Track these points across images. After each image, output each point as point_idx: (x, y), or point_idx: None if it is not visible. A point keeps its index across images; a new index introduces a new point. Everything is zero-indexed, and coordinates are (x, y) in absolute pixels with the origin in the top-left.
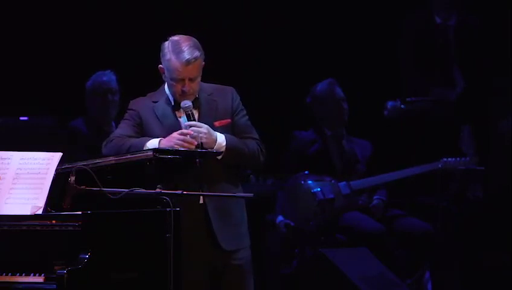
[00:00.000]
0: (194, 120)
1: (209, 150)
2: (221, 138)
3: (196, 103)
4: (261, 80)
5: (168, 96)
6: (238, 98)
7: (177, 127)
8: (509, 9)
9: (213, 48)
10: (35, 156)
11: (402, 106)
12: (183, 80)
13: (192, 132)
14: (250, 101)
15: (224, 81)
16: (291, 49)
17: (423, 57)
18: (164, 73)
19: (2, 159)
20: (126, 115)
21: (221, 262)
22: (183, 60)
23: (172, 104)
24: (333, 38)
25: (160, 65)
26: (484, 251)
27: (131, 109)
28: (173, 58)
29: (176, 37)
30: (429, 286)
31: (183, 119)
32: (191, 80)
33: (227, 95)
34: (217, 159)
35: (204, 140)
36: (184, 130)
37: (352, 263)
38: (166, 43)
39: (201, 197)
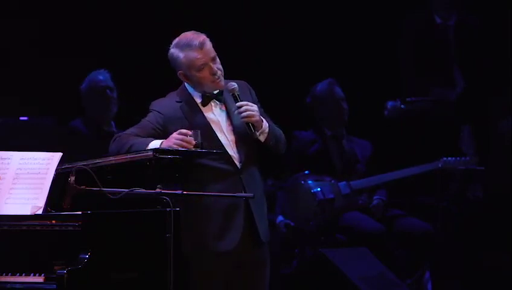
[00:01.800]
0: (241, 100)
1: (213, 150)
2: (263, 120)
3: (221, 99)
4: (261, 80)
5: (191, 96)
6: (253, 90)
7: (206, 124)
8: (509, 9)
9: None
10: (35, 156)
11: (402, 106)
12: (206, 64)
13: (190, 132)
14: None
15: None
16: (291, 49)
17: (423, 57)
18: (186, 77)
19: (2, 159)
20: (149, 115)
21: (253, 254)
22: (197, 45)
23: (199, 101)
24: (333, 38)
25: (179, 71)
26: (484, 251)
27: (157, 111)
28: (186, 51)
29: (176, 40)
30: (429, 286)
31: (214, 114)
32: (213, 60)
33: (245, 89)
34: (248, 148)
35: (257, 118)
36: (183, 130)
37: (352, 263)
38: (171, 50)
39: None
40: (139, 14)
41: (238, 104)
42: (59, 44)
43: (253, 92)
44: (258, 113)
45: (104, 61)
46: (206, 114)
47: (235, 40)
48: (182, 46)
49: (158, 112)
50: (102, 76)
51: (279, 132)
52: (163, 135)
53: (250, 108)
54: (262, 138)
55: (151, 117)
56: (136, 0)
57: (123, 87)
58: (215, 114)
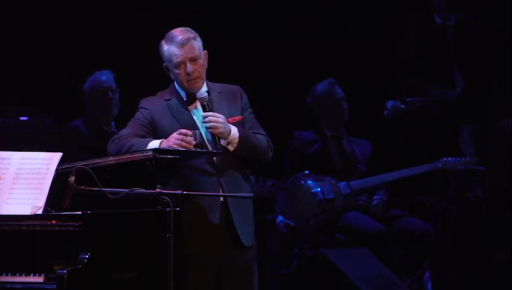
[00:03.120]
0: (211, 110)
1: (211, 150)
2: (234, 130)
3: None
4: (261, 80)
5: (179, 93)
6: (246, 95)
7: (192, 123)
8: (509, 9)
9: (213, 48)
10: (35, 156)
11: (402, 106)
12: (183, 62)
13: (190, 132)
14: (250, 101)
15: (224, 81)
16: (291, 49)
17: (423, 57)
18: (169, 70)
19: (2, 159)
20: (137, 114)
21: (235, 258)
22: (178, 42)
23: (185, 99)
24: (333, 38)
25: (164, 64)
26: (484, 251)
27: (143, 108)
28: (169, 45)
29: (168, 32)
30: (429, 286)
31: (194, 111)
32: (192, 60)
33: (236, 93)
34: (230, 152)
35: (221, 129)
36: (182, 130)
37: (352, 263)
38: (161, 41)
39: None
40: (138, 13)
41: (204, 114)
42: (59, 44)
43: (244, 96)
44: (222, 125)
45: (104, 62)
46: (191, 112)
47: (235, 40)
48: (167, 40)
49: (145, 108)
50: (105, 76)
51: (259, 141)
52: (153, 131)
53: (215, 120)
54: (231, 148)
55: (138, 115)
56: (138, 0)
57: (125, 88)
58: (199, 113)
